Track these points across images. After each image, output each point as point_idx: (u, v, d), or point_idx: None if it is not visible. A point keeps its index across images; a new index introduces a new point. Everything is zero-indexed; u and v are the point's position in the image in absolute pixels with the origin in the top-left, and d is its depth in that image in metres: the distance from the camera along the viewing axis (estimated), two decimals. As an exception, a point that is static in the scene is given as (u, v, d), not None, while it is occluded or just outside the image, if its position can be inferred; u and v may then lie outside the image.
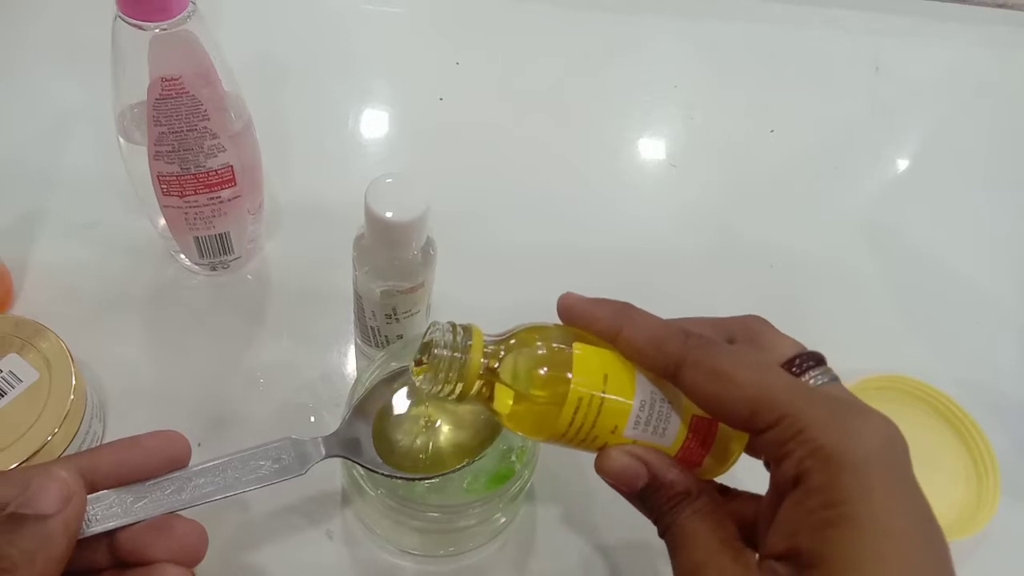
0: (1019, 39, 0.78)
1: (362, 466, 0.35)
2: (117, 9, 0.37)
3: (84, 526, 0.28)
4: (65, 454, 0.39)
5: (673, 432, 0.30)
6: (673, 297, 0.55)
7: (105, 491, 0.29)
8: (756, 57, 0.73)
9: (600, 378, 0.30)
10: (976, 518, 0.46)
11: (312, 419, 0.46)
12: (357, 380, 0.41)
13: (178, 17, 0.38)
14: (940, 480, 0.48)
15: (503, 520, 0.42)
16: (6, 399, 0.39)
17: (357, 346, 0.49)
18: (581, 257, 0.55)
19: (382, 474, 0.35)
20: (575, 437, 0.30)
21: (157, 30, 0.37)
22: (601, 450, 0.30)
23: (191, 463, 0.31)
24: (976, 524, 0.45)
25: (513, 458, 0.42)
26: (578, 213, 0.59)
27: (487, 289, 0.52)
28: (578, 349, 0.30)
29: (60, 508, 0.26)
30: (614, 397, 0.30)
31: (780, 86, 0.71)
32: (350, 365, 0.49)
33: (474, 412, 0.37)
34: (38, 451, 0.38)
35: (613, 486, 0.30)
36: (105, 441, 0.43)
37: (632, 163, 0.65)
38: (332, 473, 0.44)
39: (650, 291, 0.57)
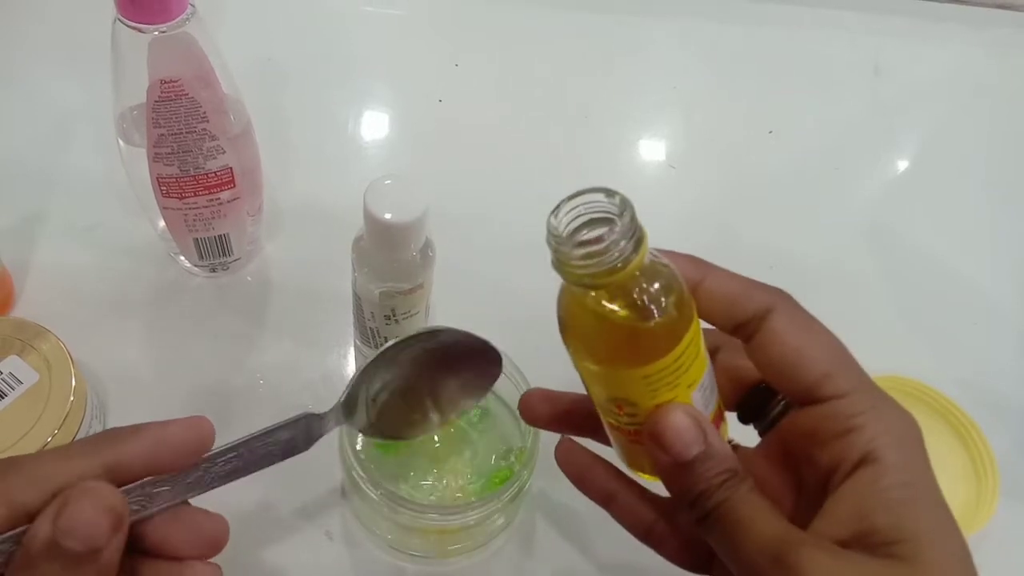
0: (1019, 40, 0.78)
1: (363, 433, 0.35)
2: (116, 12, 0.37)
3: None
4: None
5: (710, 412, 0.28)
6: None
7: (131, 485, 0.27)
8: (755, 58, 0.73)
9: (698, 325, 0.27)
10: (975, 518, 0.46)
11: (312, 420, 0.46)
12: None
13: (177, 19, 0.38)
14: (939, 480, 0.48)
15: (501, 521, 0.42)
16: (6, 401, 0.39)
17: (357, 347, 0.49)
18: (580, 258, 0.55)
19: (384, 437, 0.35)
20: (661, 377, 0.26)
21: (156, 32, 0.37)
22: (659, 407, 0.26)
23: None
24: (975, 524, 0.45)
25: (512, 459, 0.42)
26: (577, 214, 0.58)
27: (486, 290, 0.52)
28: None
29: (112, 540, 0.24)
30: (703, 350, 0.27)
31: (779, 87, 0.71)
32: (350, 366, 0.49)
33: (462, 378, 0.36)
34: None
35: (655, 455, 0.26)
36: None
37: (631, 164, 0.65)
38: (332, 474, 0.44)
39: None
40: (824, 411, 0.26)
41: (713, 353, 0.31)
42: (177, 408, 0.46)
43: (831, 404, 0.26)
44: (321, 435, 0.32)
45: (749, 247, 0.59)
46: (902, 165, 0.68)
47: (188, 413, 0.45)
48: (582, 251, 0.25)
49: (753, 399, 0.30)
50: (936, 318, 0.57)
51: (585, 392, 0.29)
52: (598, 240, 0.25)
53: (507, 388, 0.42)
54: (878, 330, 0.56)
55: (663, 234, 0.58)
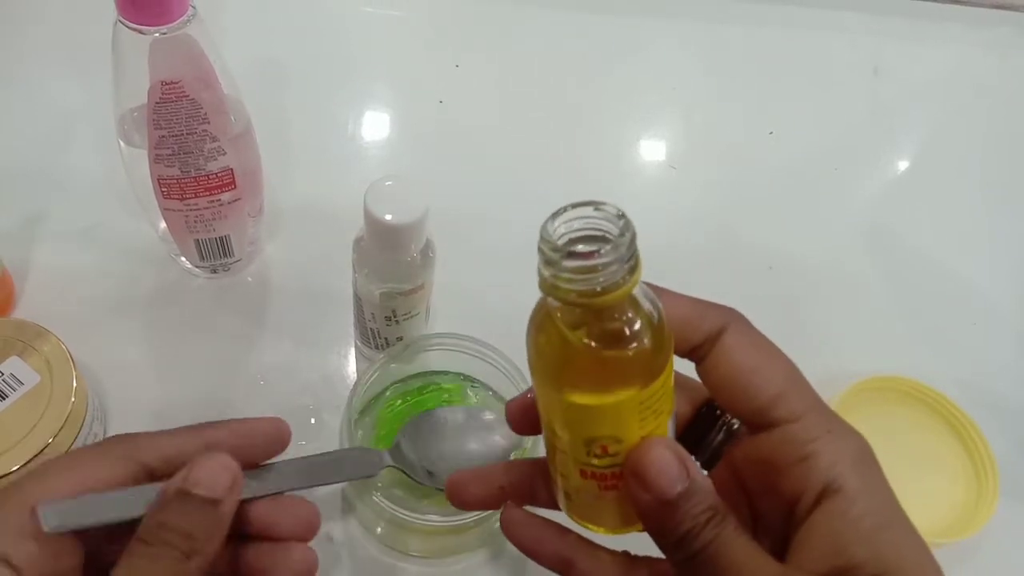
0: (1018, 40, 0.78)
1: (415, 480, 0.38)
2: (117, 13, 0.37)
3: None
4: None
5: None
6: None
7: None
8: (755, 59, 0.73)
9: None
10: (975, 518, 0.46)
11: (313, 421, 0.46)
12: (357, 382, 0.41)
13: (178, 21, 0.38)
14: (939, 480, 0.48)
15: (503, 522, 0.42)
16: (7, 402, 0.39)
17: (357, 348, 0.49)
18: (580, 259, 0.55)
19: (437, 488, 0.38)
20: (653, 403, 0.25)
21: (157, 34, 0.38)
22: (642, 441, 0.25)
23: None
24: (975, 524, 0.45)
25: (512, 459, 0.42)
26: (577, 215, 0.59)
27: (486, 291, 0.52)
28: None
29: (228, 495, 0.27)
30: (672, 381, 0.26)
31: (779, 88, 0.71)
32: (350, 367, 0.49)
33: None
34: (39, 454, 0.38)
35: (637, 495, 0.25)
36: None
37: (632, 165, 0.65)
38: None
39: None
40: (778, 437, 0.25)
41: None
42: (178, 409, 0.46)
43: (785, 429, 0.25)
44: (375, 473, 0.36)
45: (749, 247, 0.59)
46: (902, 165, 0.68)
47: (189, 414, 0.46)
48: (584, 263, 0.23)
49: (693, 426, 0.29)
50: (935, 318, 0.57)
51: (511, 460, 0.29)
52: (595, 255, 0.23)
53: (507, 389, 0.42)
54: (878, 330, 0.56)
55: (663, 234, 0.59)
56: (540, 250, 0.24)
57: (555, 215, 0.24)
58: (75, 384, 0.40)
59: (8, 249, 0.49)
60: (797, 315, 0.56)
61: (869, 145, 0.68)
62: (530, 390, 0.29)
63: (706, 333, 0.27)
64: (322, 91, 0.65)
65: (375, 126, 0.65)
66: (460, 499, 0.32)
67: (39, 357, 0.41)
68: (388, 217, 0.37)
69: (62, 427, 0.39)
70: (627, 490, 0.26)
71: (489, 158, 0.62)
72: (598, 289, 0.23)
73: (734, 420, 0.28)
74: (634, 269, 0.24)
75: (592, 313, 0.24)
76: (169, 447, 0.30)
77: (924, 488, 0.48)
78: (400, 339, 0.45)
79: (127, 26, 0.37)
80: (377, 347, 0.46)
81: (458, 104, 0.65)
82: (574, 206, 0.24)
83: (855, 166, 0.67)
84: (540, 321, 0.25)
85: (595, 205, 0.24)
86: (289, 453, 0.32)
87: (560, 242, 0.24)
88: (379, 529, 0.42)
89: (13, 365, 0.40)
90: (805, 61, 0.74)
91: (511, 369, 0.42)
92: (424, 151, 0.62)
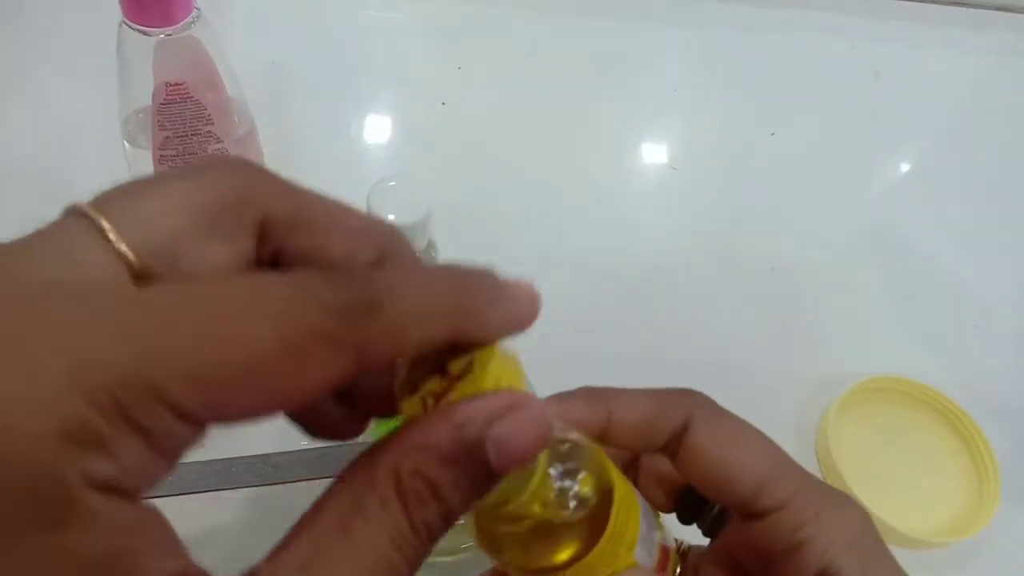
0: (1019, 43, 0.78)
1: None
2: (122, 15, 0.38)
3: None
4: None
5: (654, 557, 0.26)
6: (674, 301, 0.55)
7: None
8: (756, 62, 0.73)
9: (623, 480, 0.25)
10: (976, 519, 0.46)
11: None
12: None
13: (182, 23, 0.38)
14: (940, 481, 0.48)
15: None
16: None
17: (360, 349, 0.49)
18: (582, 260, 0.55)
19: None
20: (608, 548, 0.24)
21: (162, 36, 0.38)
22: None
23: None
24: (976, 525, 0.45)
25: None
26: (579, 216, 0.59)
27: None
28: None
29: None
30: (632, 495, 0.25)
31: (780, 90, 0.71)
32: (353, 368, 0.50)
33: None
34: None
35: None
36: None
37: (633, 166, 0.65)
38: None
39: (651, 294, 0.57)
40: (768, 526, 0.24)
41: (635, 460, 0.29)
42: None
43: (773, 517, 0.24)
44: None
45: (751, 250, 0.59)
46: (903, 168, 0.68)
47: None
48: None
49: (688, 499, 0.28)
50: (937, 319, 0.57)
51: None
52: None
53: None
54: (879, 331, 0.56)
55: (664, 236, 0.59)
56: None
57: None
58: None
59: (13, 250, 0.50)
60: (799, 316, 0.56)
61: (871, 147, 0.69)
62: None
63: (670, 432, 0.25)
64: (325, 93, 0.65)
65: (378, 127, 0.65)
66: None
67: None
68: (391, 218, 0.38)
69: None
70: None
71: (491, 159, 0.62)
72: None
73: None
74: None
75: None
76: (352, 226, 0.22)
77: (925, 488, 0.48)
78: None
79: (132, 28, 0.38)
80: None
81: (460, 106, 0.65)
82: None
83: (857, 168, 0.67)
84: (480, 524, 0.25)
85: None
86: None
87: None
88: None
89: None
90: (806, 63, 0.74)
91: (513, 369, 0.42)
92: (426, 152, 0.63)
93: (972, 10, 0.79)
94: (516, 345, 0.21)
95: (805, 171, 0.66)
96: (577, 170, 0.63)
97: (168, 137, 0.41)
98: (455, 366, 0.20)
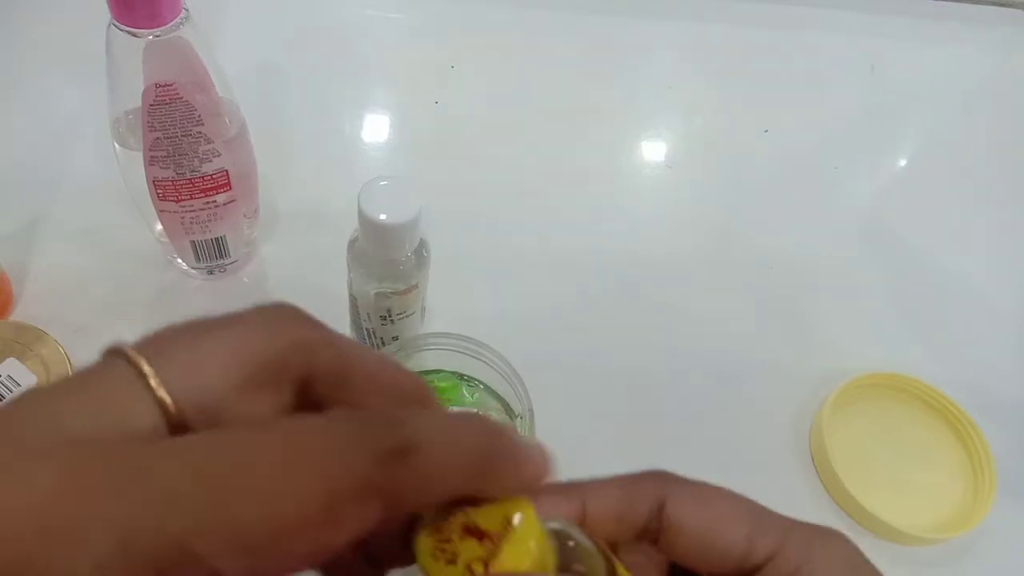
0: (1018, 38, 0.78)
1: None
2: (111, 16, 0.37)
3: None
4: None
5: None
6: (670, 299, 0.55)
7: None
8: (751, 58, 0.73)
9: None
10: (972, 515, 0.46)
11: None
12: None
13: (171, 24, 0.38)
14: (936, 476, 0.48)
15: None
16: (5, 403, 0.39)
17: (354, 349, 0.49)
18: (577, 259, 0.55)
19: None
20: None
21: (151, 37, 0.38)
22: None
23: None
24: (971, 521, 0.45)
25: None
26: (574, 215, 0.59)
27: (483, 291, 0.52)
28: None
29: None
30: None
31: (776, 86, 0.71)
32: (347, 367, 0.50)
33: None
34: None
35: None
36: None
37: (628, 165, 0.65)
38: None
39: (647, 293, 0.57)
40: None
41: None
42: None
43: (768, 568, 0.24)
44: None
45: (747, 247, 0.59)
46: (900, 164, 0.68)
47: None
48: None
49: (680, 572, 0.28)
50: (934, 316, 0.57)
51: None
52: None
53: (503, 387, 0.42)
54: (875, 328, 0.56)
55: (661, 235, 0.59)
56: None
57: None
58: (72, 386, 0.40)
59: (6, 252, 0.50)
60: (796, 313, 0.56)
61: (867, 143, 0.68)
62: None
63: (646, 516, 0.25)
64: (317, 92, 0.65)
65: (370, 127, 0.65)
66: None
67: (37, 359, 0.41)
68: (382, 217, 0.38)
69: (59, 429, 0.39)
70: None
71: (484, 158, 0.62)
72: None
73: None
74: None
75: None
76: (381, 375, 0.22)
77: (921, 484, 0.48)
78: (396, 339, 0.45)
79: (120, 29, 0.38)
80: (373, 347, 0.46)
81: (454, 105, 0.65)
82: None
83: (853, 164, 0.67)
84: None
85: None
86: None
87: None
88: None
89: (11, 367, 0.41)
90: (801, 59, 0.74)
91: (507, 368, 0.42)
92: (420, 151, 0.63)
93: (969, 5, 0.79)
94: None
95: (801, 167, 0.66)
96: (571, 169, 0.62)
97: (158, 138, 0.41)
98: (484, 521, 0.21)
